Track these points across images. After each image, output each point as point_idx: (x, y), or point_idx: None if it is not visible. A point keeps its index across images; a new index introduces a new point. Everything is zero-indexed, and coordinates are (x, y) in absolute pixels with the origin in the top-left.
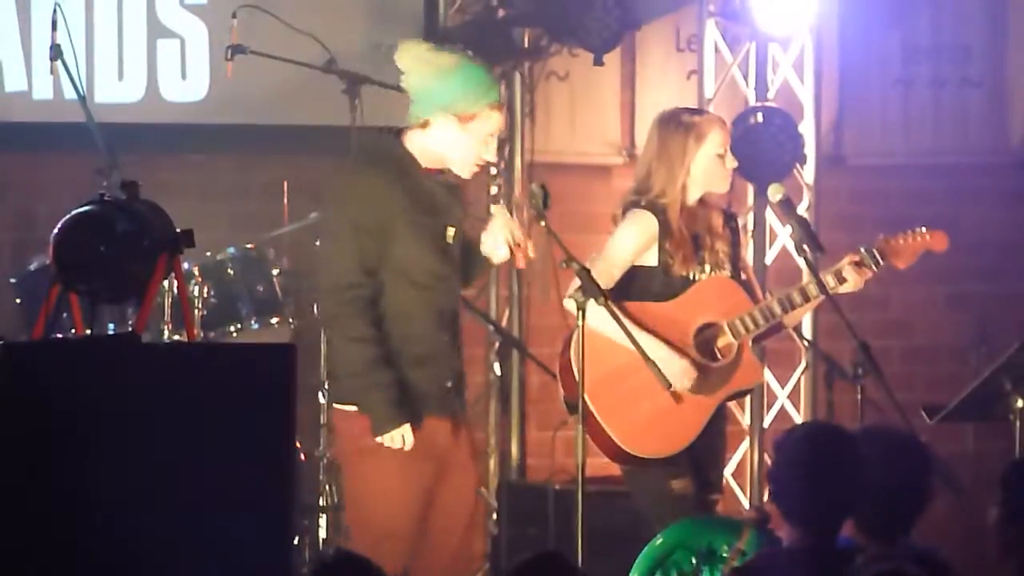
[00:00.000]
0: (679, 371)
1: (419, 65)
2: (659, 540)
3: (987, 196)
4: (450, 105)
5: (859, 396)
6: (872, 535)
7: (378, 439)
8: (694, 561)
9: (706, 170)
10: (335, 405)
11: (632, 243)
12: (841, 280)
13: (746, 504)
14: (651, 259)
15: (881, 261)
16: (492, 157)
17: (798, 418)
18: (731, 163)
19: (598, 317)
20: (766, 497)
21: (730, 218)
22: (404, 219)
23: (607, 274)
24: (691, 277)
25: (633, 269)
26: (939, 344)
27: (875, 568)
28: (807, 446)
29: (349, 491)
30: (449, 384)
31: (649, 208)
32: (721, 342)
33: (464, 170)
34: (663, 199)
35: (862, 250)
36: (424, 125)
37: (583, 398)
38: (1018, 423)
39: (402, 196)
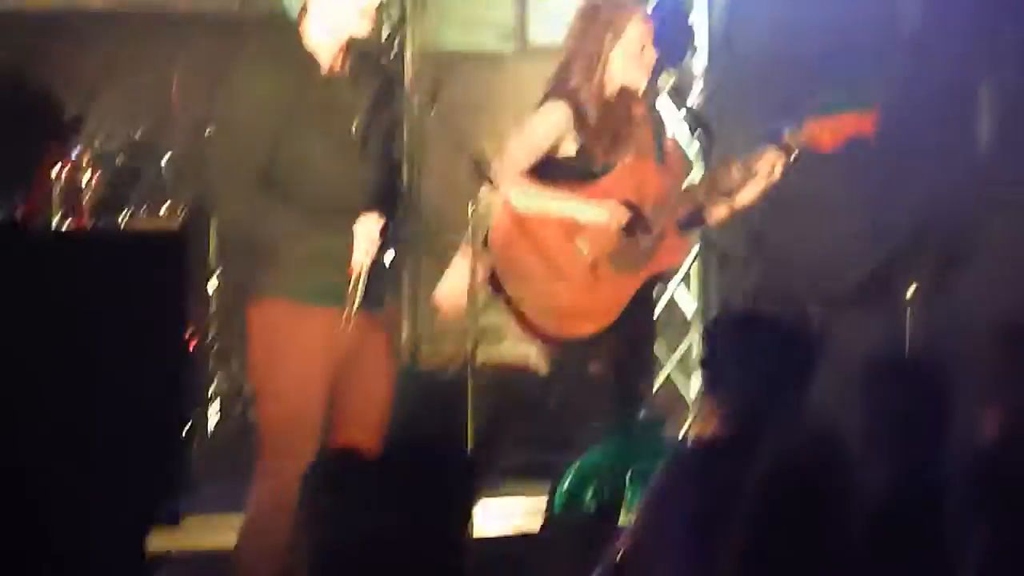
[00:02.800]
0: (612, 213)
1: None
2: (591, 455)
3: None
4: None
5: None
6: None
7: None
8: (628, 479)
9: (624, 66)
10: (252, 295)
11: (544, 131)
12: (751, 173)
13: None
14: (569, 150)
15: (804, 142)
16: (360, 32)
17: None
18: (649, 56)
19: (523, 196)
20: None
21: (654, 105)
22: (296, 118)
23: (518, 152)
24: (611, 165)
25: (552, 160)
26: None
27: None
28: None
29: (257, 380)
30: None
31: (565, 98)
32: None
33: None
34: (580, 93)
35: (787, 132)
36: (304, 9)
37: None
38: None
39: (292, 96)
